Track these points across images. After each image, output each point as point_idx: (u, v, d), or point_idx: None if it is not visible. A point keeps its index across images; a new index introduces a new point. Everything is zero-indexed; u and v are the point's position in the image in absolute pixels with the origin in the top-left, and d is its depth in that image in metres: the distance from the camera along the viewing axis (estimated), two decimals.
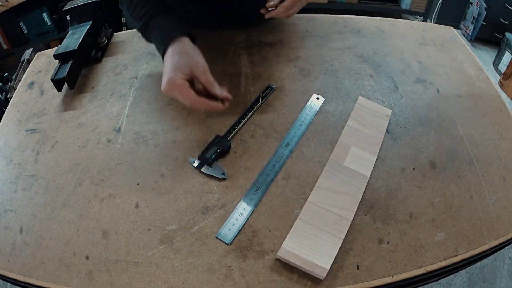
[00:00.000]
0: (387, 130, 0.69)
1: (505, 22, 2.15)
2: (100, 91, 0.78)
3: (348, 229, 0.56)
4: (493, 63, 2.19)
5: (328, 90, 0.76)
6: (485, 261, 1.26)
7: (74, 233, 0.57)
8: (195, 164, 0.64)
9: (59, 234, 0.57)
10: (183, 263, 0.54)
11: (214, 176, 0.62)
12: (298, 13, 0.76)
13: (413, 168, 0.64)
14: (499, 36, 2.19)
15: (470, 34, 2.26)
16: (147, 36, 0.72)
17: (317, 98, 0.75)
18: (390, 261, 0.54)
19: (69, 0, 0.88)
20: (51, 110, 0.76)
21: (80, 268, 0.54)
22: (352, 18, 0.95)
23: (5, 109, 0.78)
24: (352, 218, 0.56)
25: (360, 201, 0.59)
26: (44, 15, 2.04)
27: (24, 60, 1.75)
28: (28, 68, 0.88)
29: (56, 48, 0.80)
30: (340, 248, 0.54)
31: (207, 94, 0.64)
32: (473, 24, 2.21)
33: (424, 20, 2.24)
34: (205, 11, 0.87)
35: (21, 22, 2.03)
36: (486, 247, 0.56)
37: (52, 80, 0.75)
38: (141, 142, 0.68)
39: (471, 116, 0.73)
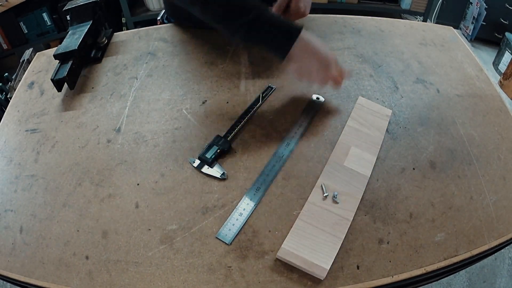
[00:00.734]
0: (387, 130, 0.69)
1: (505, 22, 2.15)
2: (100, 91, 0.78)
3: (348, 229, 0.56)
4: (493, 63, 2.19)
5: (328, 90, 0.76)
6: (485, 261, 1.26)
7: (74, 233, 0.57)
8: (195, 164, 0.64)
9: (59, 234, 0.57)
10: (183, 263, 0.54)
11: (214, 176, 0.62)
12: None
13: (413, 168, 0.64)
14: (499, 36, 2.19)
15: (470, 34, 2.26)
16: (255, 32, 0.64)
17: (317, 98, 0.75)
18: (390, 261, 0.54)
19: (69, 0, 0.88)
20: (51, 110, 0.76)
21: (80, 268, 0.54)
22: (352, 18, 0.95)
23: (5, 109, 0.78)
24: (352, 218, 0.56)
25: (360, 201, 0.59)
26: (44, 15, 2.04)
27: (24, 60, 1.75)
28: (28, 68, 0.88)
29: (56, 48, 0.80)
30: (340, 248, 0.54)
31: None
32: (473, 24, 2.21)
33: (424, 20, 2.24)
34: None
35: (21, 22, 2.03)
36: (486, 247, 0.56)
37: (52, 80, 0.75)
38: (141, 142, 0.68)
39: (471, 116, 0.73)
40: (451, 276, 1.23)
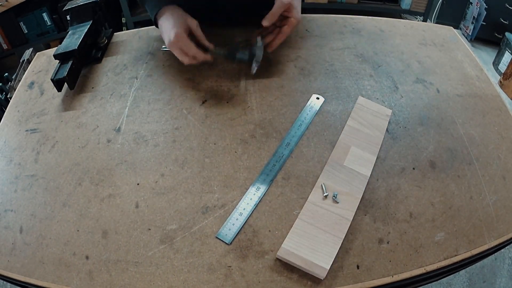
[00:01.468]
0: (387, 130, 0.69)
1: (505, 22, 2.15)
2: (100, 91, 0.78)
3: (348, 229, 0.56)
4: (493, 63, 2.19)
5: (328, 90, 0.76)
6: (485, 261, 1.26)
7: (74, 233, 0.57)
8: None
9: (59, 234, 0.57)
10: (183, 263, 0.54)
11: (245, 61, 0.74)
12: None
13: (413, 168, 0.64)
14: (499, 36, 2.19)
15: (470, 34, 2.26)
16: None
17: (317, 98, 0.75)
18: (390, 261, 0.54)
19: (69, 0, 0.88)
20: (51, 110, 0.76)
21: (80, 268, 0.54)
22: (352, 18, 0.95)
23: (5, 109, 0.78)
24: (352, 218, 0.56)
25: (360, 201, 0.59)
26: (44, 15, 2.04)
27: (24, 60, 1.75)
28: (28, 68, 0.88)
29: (56, 48, 0.80)
30: (340, 248, 0.54)
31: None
32: (473, 24, 2.21)
33: (424, 20, 2.24)
34: (204, 8, 0.87)
35: (21, 22, 2.03)
36: (486, 247, 0.56)
37: (52, 80, 0.75)
38: (141, 142, 0.68)
39: (471, 116, 0.73)
40: (451, 276, 1.23)
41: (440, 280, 0.66)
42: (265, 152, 0.66)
